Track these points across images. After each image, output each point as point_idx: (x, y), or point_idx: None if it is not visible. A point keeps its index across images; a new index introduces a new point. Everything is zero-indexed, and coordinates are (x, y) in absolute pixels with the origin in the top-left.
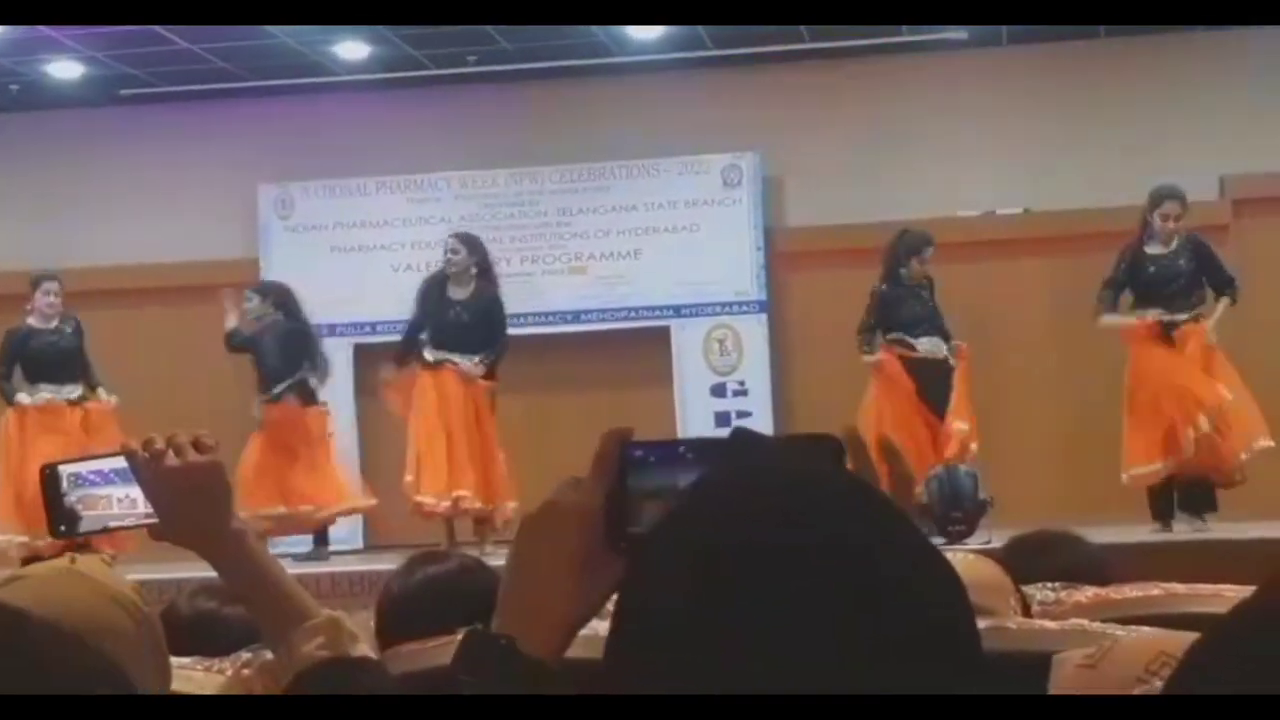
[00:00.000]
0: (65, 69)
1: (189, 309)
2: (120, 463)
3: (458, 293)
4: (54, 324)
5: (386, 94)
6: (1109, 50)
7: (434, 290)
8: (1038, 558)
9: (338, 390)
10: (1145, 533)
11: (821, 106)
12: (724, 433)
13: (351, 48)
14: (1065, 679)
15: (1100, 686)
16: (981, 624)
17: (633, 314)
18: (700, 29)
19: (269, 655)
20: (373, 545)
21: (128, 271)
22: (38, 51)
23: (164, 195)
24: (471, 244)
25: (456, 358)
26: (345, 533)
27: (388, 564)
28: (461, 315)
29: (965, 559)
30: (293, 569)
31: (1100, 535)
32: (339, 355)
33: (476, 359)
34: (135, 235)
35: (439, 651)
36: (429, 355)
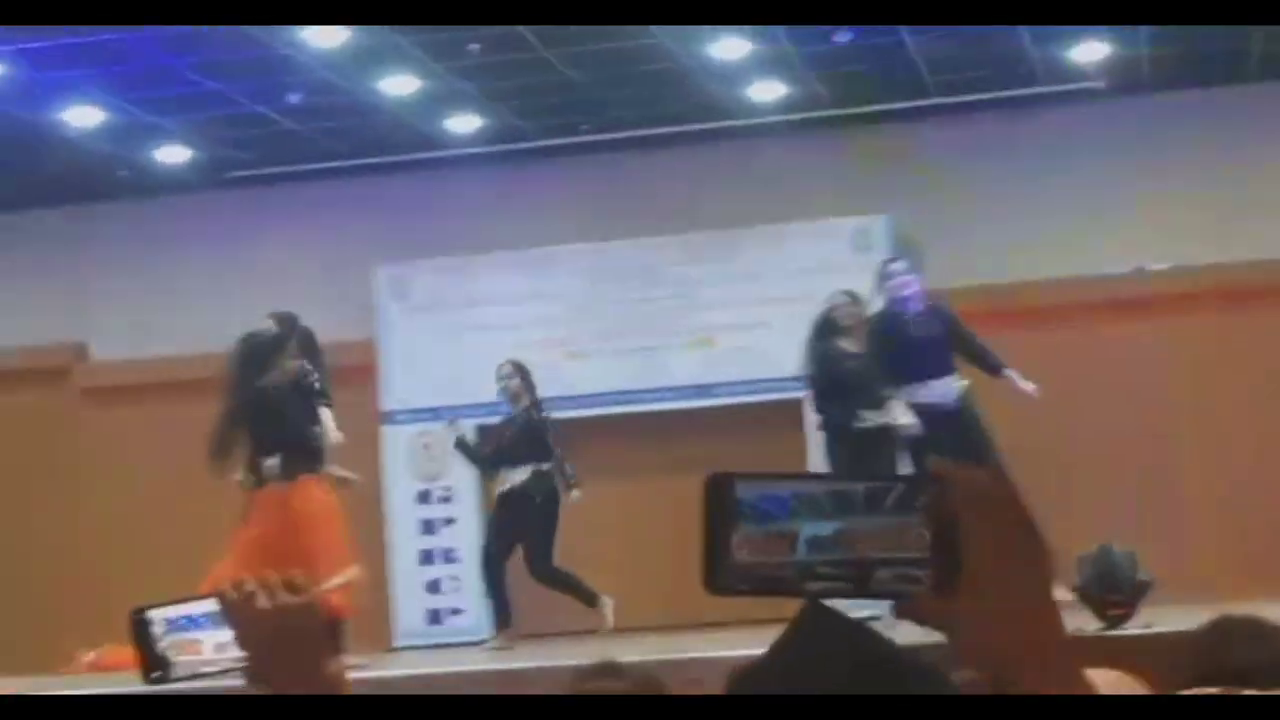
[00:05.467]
0: (172, 154)
1: None
2: (212, 606)
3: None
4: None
5: (500, 168)
6: (1259, 94)
7: None
8: (1215, 652)
9: (460, 473)
10: None
11: (952, 165)
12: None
13: (462, 121)
14: None
15: None
16: None
17: (762, 387)
18: (819, 87)
19: None
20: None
21: None
22: (144, 136)
23: (276, 278)
24: None
25: None
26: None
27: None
28: None
29: (1106, 680)
30: None
31: (1272, 610)
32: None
33: None
34: (247, 320)
35: None
36: None
